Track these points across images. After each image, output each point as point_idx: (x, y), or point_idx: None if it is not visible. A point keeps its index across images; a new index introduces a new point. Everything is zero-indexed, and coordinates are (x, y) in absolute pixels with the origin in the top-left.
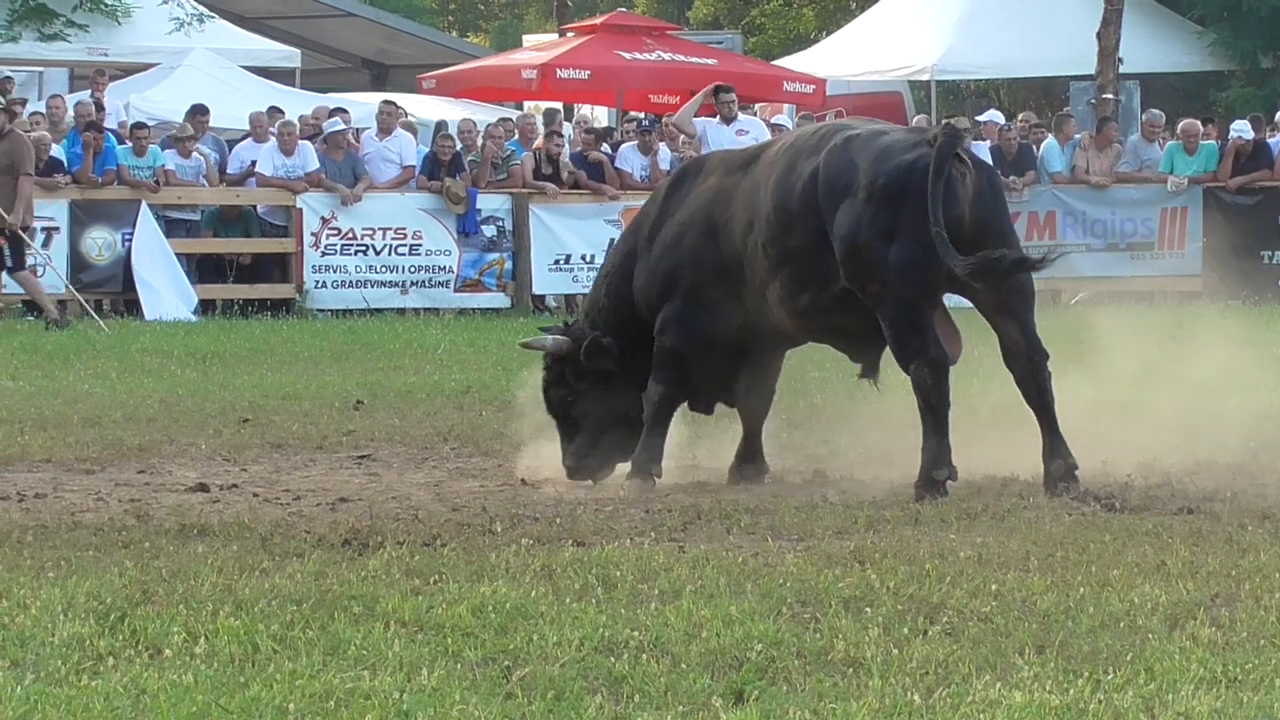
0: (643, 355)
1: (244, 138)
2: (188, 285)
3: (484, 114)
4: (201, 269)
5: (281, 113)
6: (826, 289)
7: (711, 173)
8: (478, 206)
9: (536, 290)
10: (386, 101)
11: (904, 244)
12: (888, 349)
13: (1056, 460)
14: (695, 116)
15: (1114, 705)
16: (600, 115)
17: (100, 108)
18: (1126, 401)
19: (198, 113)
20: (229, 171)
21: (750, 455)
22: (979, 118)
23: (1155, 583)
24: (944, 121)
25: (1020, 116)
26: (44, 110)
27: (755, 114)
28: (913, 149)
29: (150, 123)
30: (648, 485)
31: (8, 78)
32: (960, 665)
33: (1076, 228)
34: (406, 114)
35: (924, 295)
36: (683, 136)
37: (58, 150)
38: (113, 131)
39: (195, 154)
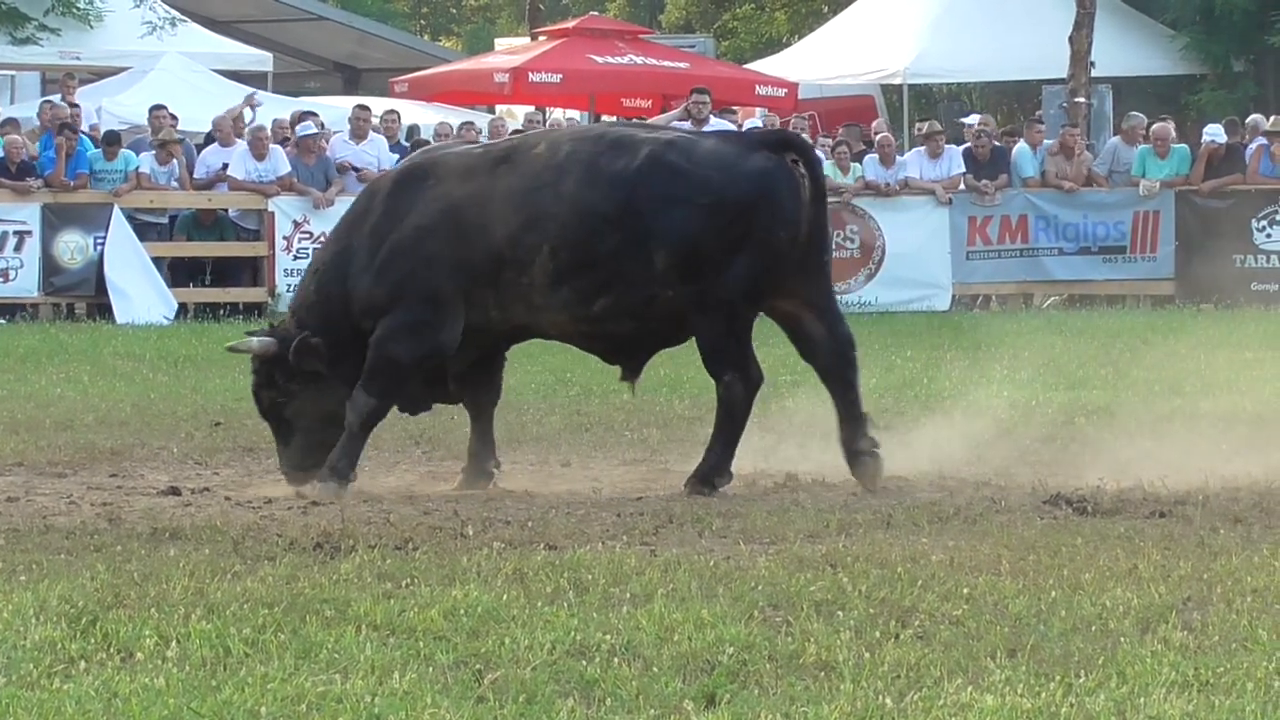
0: (353, 353)
1: (209, 142)
2: (165, 289)
3: (456, 117)
4: (173, 272)
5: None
6: (628, 294)
7: (447, 176)
8: None
9: None
10: (360, 106)
11: (749, 253)
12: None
13: (863, 439)
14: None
15: (1086, 709)
16: (573, 119)
17: (74, 109)
18: None
19: (157, 110)
20: (195, 176)
21: (483, 452)
22: (966, 120)
23: (1127, 586)
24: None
25: (979, 119)
26: (33, 115)
27: (735, 117)
28: (752, 155)
29: (122, 126)
30: (341, 490)
31: None
32: (932, 669)
33: (1048, 231)
34: (383, 118)
35: (756, 306)
36: None
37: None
38: (88, 136)
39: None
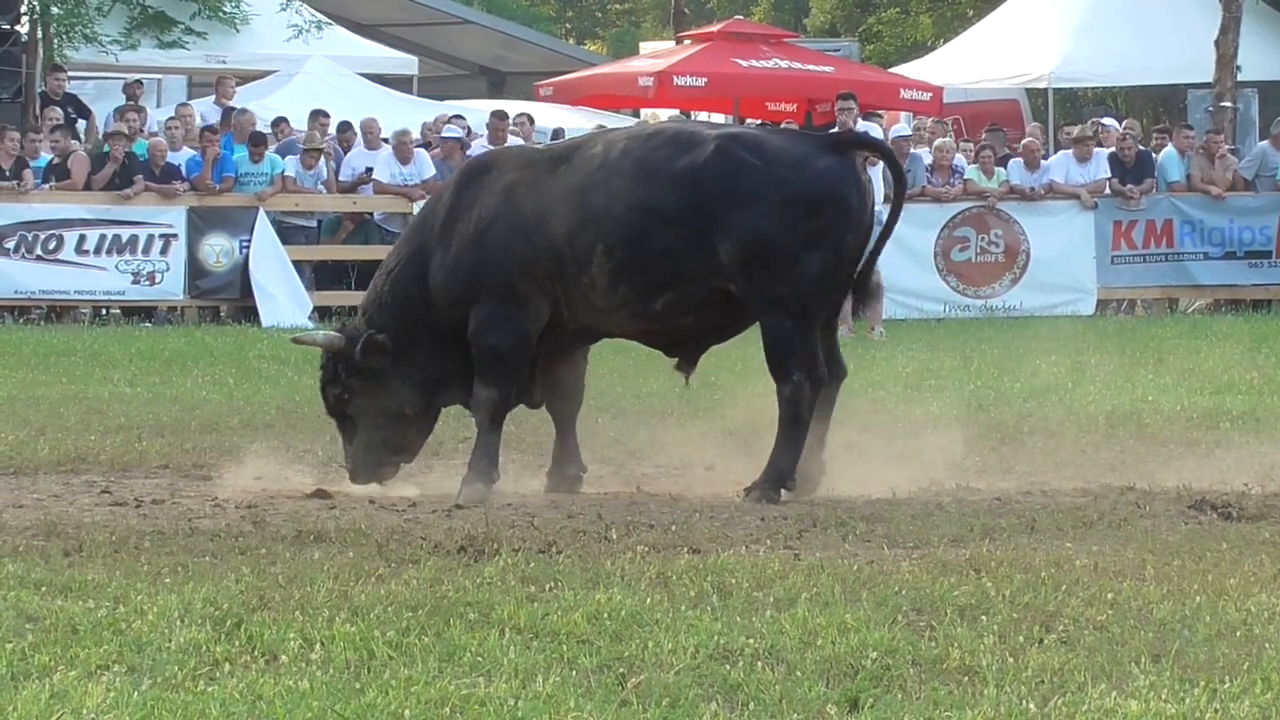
0: (422, 354)
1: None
2: (302, 291)
3: (601, 121)
4: (319, 275)
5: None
6: (690, 291)
7: (509, 169)
8: None
9: None
10: (497, 114)
11: (823, 252)
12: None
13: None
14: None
15: (1230, 715)
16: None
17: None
18: None
19: (319, 116)
20: (341, 178)
21: (567, 457)
22: (1104, 120)
23: (1272, 592)
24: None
25: (1125, 123)
26: (174, 116)
27: (881, 122)
28: (824, 155)
29: (267, 130)
30: (486, 490)
31: (137, 81)
32: (1076, 674)
33: (1194, 236)
34: (516, 120)
35: (823, 306)
36: None
37: (175, 157)
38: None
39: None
